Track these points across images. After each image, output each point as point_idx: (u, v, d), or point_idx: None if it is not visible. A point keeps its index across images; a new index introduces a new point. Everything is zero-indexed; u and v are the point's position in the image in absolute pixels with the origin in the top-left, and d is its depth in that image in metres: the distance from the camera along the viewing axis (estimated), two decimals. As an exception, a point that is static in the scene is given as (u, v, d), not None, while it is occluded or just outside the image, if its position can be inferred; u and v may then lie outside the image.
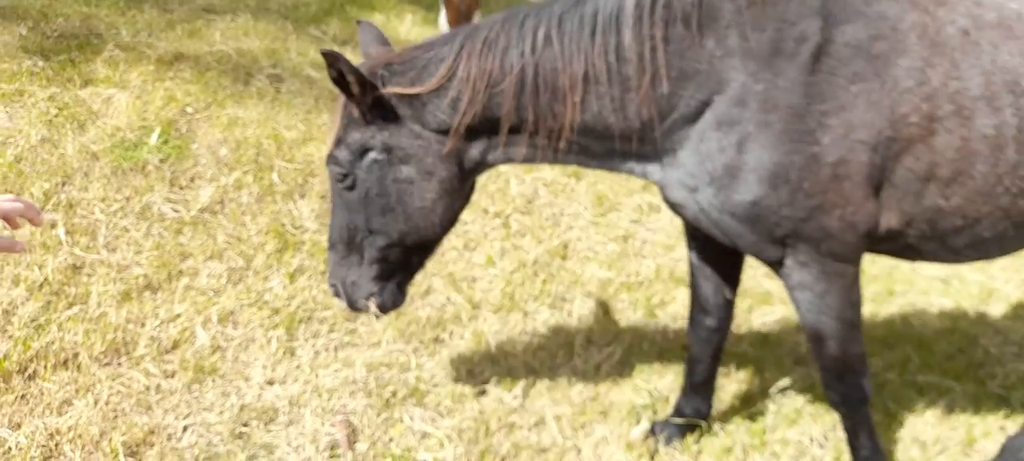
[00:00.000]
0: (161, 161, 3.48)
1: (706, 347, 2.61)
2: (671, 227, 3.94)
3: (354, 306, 2.37)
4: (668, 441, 2.65)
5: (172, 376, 2.61)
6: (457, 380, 2.81)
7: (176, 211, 3.30)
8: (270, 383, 2.65)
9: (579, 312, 3.24)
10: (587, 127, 2.05)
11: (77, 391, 2.48)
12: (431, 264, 3.33)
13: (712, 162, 1.98)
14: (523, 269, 3.45)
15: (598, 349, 3.05)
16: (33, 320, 2.68)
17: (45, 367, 2.53)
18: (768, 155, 1.92)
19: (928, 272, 3.75)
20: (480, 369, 2.87)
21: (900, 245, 2.16)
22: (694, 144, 2.01)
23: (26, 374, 2.52)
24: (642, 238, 3.83)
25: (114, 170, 3.38)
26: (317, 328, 2.92)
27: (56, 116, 3.61)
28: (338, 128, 2.15)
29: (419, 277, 3.23)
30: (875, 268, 3.71)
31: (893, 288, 3.67)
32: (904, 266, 3.67)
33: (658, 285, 3.48)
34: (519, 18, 2.04)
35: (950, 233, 2.10)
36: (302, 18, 5.33)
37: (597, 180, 4.26)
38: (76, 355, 2.60)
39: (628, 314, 3.28)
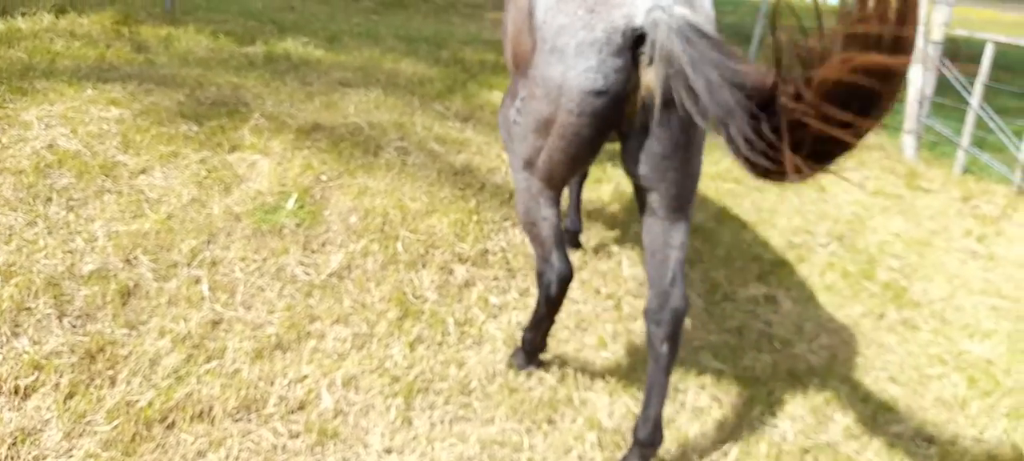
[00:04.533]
0: (297, 225, 3.69)
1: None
2: (788, 322, 3.83)
3: None
4: None
5: (297, 437, 2.71)
6: (568, 465, 2.80)
7: (307, 274, 3.48)
8: (388, 451, 2.71)
9: (693, 404, 3.19)
10: None
11: (210, 444, 2.61)
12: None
13: None
14: (635, 354, 3.43)
15: (713, 444, 2.97)
16: (175, 371, 2.86)
17: (183, 418, 2.68)
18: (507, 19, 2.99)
19: None
20: (591, 456, 2.85)
21: None
22: None
23: (165, 423, 2.67)
24: (758, 330, 3.74)
25: (254, 231, 3.61)
26: (433, 399, 2.98)
27: (205, 178, 3.90)
28: None
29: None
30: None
31: None
32: None
33: (776, 382, 3.38)
34: None
35: None
36: (428, 94, 5.59)
37: (711, 267, 4.21)
38: (211, 408, 2.75)
39: (743, 411, 3.19)
